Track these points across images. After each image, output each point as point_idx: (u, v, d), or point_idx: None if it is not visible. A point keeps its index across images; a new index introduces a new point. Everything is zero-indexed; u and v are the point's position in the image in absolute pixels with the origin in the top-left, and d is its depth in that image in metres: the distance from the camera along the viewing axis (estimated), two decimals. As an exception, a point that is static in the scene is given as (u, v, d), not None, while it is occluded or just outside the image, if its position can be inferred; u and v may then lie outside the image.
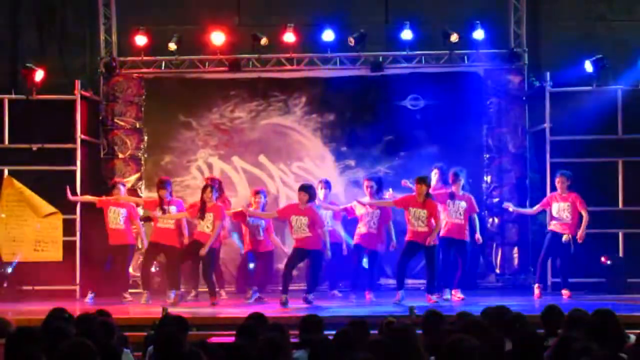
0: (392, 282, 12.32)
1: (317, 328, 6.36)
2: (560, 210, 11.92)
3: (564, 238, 11.78)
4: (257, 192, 12.15)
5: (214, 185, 11.91)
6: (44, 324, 6.37)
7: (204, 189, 11.82)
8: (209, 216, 11.64)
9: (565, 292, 11.78)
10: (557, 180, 11.99)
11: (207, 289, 11.79)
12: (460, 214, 11.55)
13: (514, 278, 13.55)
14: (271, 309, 10.46)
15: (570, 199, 11.86)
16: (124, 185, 12.58)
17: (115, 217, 12.21)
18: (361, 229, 11.76)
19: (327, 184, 12.28)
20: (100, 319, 6.51)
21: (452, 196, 11.58)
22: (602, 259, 12.43)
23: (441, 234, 11.50)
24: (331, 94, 13.95)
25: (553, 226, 12.01)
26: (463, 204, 11.57)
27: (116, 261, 12.24)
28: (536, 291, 11.85)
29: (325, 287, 12.71)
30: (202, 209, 11.68)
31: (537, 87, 13.51)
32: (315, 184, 12.11)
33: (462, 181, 11.64)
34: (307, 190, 11.37)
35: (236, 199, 13.29)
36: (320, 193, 12.05)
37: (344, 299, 12.00)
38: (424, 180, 11.22)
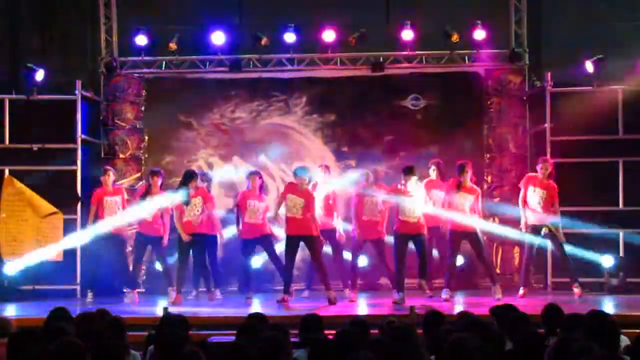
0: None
1: (316, 327, 6.36)
2: (536, 195, 11.69)
3: (544, 231, 11.68)
4: (251, 174, 11.96)
5: (198, 173, 11.91)
6: (45, 324, 6.37)
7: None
8: (196, 201, 11.50)
9: (576, 290, 11.64)
10: (540, 166, 11.79)
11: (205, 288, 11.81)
12: (467, 206, 11.44)
13: (515, 277, 13.51)
14: (271, 309, 10.45)
15: (550, 188, 11.71)
16: (114, 173, 12.48)
17: (112, 207, 12.12)
18: (362, 218, 11.56)
19: (327, 168, 12.34)
20: (110, 317, 6.52)
21: (459, 187, 11.46)
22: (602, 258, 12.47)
23: (450, 227, 11.44)
24: (332, 94, 13.97)
25: (528, 220, 11.73)
26: (471, 197, 11.49)
27: (107, 252, 12.17)
28: (521, 291, 11.78)
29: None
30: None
31: (537, 87, 13.52)
32: (316, 169, 12.18)
33: (469, 173, 11.56)
34: (306, 172, 11.28)
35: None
36: (321, 176, 12.09)
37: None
38: (411, 171, 11.20)
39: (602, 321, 5.69)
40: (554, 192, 11.72)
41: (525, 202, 11.80)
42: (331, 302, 10.99)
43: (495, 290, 11.40)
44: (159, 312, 10.00)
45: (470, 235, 11.49)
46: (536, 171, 11.91)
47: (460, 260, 12.03)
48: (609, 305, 10.67)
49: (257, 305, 11.22)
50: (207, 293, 11.97)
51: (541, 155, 12.70)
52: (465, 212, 11.43)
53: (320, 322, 6.47)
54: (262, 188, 12.06)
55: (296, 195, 11.10)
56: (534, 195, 11.73)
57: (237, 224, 11.73)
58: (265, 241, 11.71)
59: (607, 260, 12.47)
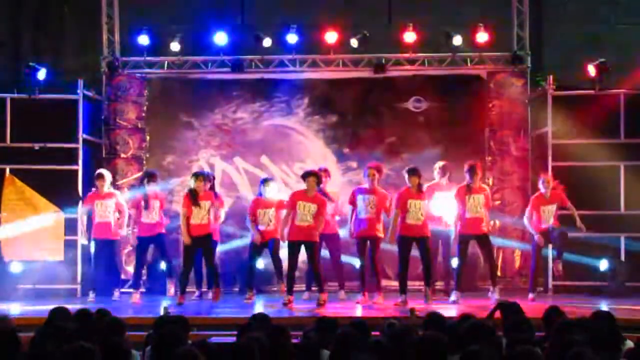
0: (394, 284, 12.20)
1: (332, 328, 6.33)
2: (549, 214, 11.63)
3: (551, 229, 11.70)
4: (266, 180, 11.78)
5: (206, 175, 11.77)
6: (45, 324, 6.37)
7: (196, 178, 11.42)
8: (205, 204, 11.36)
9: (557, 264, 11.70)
10: (542, 183, 11.72)
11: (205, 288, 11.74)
12: (480, 207, 11.40)
13: (515, 280, 13.53)
14: (272, 310, 10.43)
15: (557, 199, 11.70)
16: (109, 177, 12.32)
17: (103, 210, 12.05)
18: (361, 215, 11.30)
19: (326, 172, 12.13)
20: (110, 317, 6.51)
21: (469, 190, 11.40)
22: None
23: (460, 230, 11.44)
24: (334, 95, 13.98)
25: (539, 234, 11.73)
26: (481, 198, 11.44)
27: (102, 256, 12.11)
28: (530, 295, 11.75)
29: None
30: (194, 197, 11.31)
31: (539, 90, 13.51)
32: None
33: (480, 174, 11.54)
34: (316, 175, 11.05)
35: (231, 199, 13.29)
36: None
37: (349, 300, 11.85)
38: (415, 172, 11.16)
39: (603, 323, 5.68)
40: (562, 199, 11.68)
41: (530, 219, 11.76)
42: (320, 304, 10.88)
43: (495, 292, 11.39)
44: (160, 312, 9.98)
45: (480, 237, 11.49)
46: (538, 188, 11.85)
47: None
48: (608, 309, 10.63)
49: (259, 306, 11.19)
50: (214, 288, 11.70)
51: (543, 158, 12.73)
52: (479, 212, 11.39)
53: (335, 322, 6.43)
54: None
55: (307, 202, 10.86)
56: (545, 215, 11.67)
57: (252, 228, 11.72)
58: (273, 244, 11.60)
59: (602, 264, 12.44)
